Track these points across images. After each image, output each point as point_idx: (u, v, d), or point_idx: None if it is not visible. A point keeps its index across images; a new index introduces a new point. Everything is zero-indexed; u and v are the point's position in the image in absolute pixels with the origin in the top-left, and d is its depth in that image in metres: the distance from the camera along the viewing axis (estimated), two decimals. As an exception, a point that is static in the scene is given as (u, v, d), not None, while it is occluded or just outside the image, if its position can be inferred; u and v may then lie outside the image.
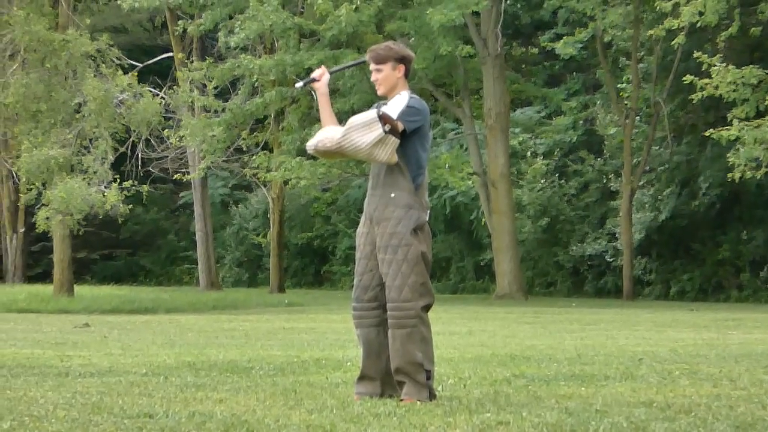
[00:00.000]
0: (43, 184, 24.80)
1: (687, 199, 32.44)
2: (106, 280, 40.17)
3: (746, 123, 23.86)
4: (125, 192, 24.88)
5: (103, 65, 25.50)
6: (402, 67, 6.69)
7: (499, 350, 10.93)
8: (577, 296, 33.69)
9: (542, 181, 36.13)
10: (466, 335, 14.21)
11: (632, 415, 5.89)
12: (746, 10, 27.41)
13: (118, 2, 31.35)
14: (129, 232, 45.06)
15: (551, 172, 36.40)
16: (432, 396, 6.50)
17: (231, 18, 30.76)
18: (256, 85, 32.46)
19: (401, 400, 6.45)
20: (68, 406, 6.28)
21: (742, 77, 23.88)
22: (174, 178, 35.77)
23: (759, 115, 24.19)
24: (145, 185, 26.19)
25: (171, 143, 31.75)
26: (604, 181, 35.24)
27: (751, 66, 24.27)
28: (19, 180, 27.78)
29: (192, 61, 32.18)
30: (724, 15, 25.60)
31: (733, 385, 7.54)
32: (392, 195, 6.54)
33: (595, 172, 35.87)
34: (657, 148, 33.34)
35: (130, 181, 25.41)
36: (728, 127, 24.06)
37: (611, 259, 33.73)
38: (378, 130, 6.43)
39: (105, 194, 24.10)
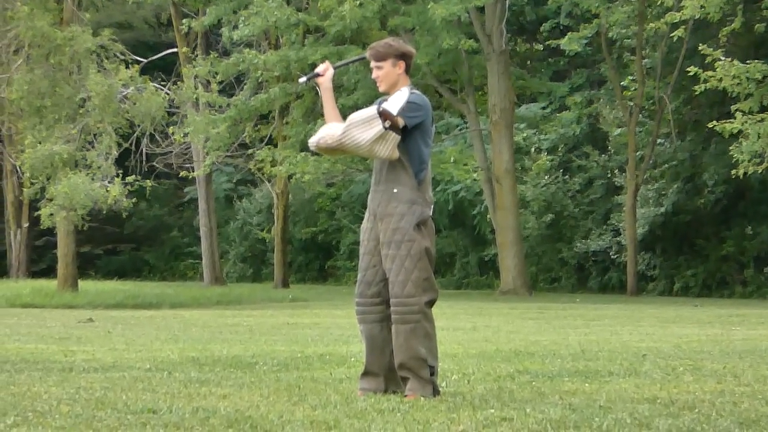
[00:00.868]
0: (47, 179, 24.81)
1: (691, 195, 32.44)
2: (110, 275, 40.20)
3: (750, 116, 23.86)
4: (129, 187, 24.88)
5: (107, 60, 25.51)
6: (402, 64, 6.68)
7: (503, 346, 10.93)
8: (582, 292, 33.70)
9: (546, 177, 36.12)
10: (470, 331, 14.21)
11: (636, 411, 5.88)
12: (751, 6, 27.39)
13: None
14: (133, 227, 45.12)
15: (555, 167, 36.39)
16: (436, 392, 6.50)
17: (235, 13, 30.76)
18: (260, 80, 32.47)
19: (405, 396, 6.45)
20: (72, 402, 6.29)
21: (747, 72, 23.88)
22: (180, 175, 35.78)
23: (763, 109, 24.19)
24: (148, 180, 26.19)
25: (175, 140, 31.75)
26: (609, 176, 35.22)
27: (756, 61, 24.27)
28: (23, 175, 27.79)
29: (197, 56, 32.19)
30: (728, 11, 25.61)
31: (737, 381, 7.53)
32: (395, 190, 6.53)
33: (600, 168, 35.85)
34: (661, 143, 33.33)
35: (134, 176, 25.42)
36: (731, 120, 24.07)
37: (615, 255, 33.73)
38: (378, 127, 6.44)
39: (108, 189, 24.11)
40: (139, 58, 30.92)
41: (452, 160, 31.97)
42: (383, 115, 6.44)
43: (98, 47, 25.36)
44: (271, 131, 35.09)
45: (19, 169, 31.16)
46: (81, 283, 28.28)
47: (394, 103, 6.52)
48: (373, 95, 26.66)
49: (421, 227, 6.51)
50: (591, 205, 36.07)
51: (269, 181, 37.20)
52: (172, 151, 35.16)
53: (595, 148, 36.13)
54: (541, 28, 36.32)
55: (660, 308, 22.08)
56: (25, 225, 40.62)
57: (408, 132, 6.53)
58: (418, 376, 6.45)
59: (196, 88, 30.32)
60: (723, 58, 24.21)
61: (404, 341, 6.43)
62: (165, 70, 35.26)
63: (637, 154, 31.68)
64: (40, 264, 42.35)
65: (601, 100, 36.23)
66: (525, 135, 36.76)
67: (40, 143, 24.29)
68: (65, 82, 25.14)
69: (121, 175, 24.94)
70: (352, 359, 9.04)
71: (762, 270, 30.65)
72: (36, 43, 24.97)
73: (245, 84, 32.98)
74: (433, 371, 6.48)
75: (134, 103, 25.27)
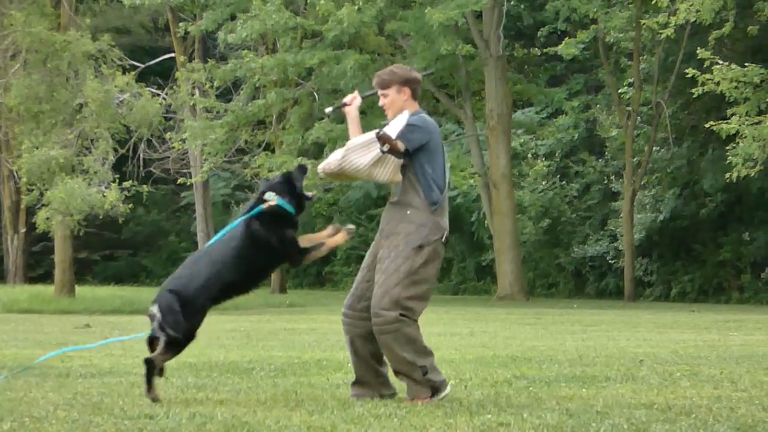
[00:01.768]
0: (44, 184, 24.77)
1: (688, 201, 32.44)
2: (107, 281, 40.09)
3: (746, 118, 23.91)
4: (125, 192, 24.86)
5: (104, 66, 25.49)
6: (407, 90, 6.71)
7: (500, 351, 10.93)
8: (579, 297, 33.68)
9: (543, 183, 36.12)
10: (467, 336, 14.20)
11: (633, 417, 5.89)
12: (746, 12, 27.42)
13: (121, 1, 31.34)
14: (130, 233, 45.05)
15: (552, 173, 36.38)
16: (435, 389, 6.54)
17: (233, 19, 30.75)
18: (257, 85, 32.44)
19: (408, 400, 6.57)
20: (69, 407, 6.28)
21: (744, 76, 23.93)
22: (177, 182, 35.73)
23: (760, 113, 24.23)
24: (145, 185, 26.16)
25: (172, 146, 31.71)
26: (606, 182, 35.23)
27: (752, 65, 24.31)
28: (20, 180, 27.76)
29: (192, 60, 32.16)
30: (725, 17, 25.66)
31: (734, 386, 7.53)
32: (408, 212, 6.59)
33: (597, 174, 35.86)
34: (658, 149, 33.33)
35: (130, 181, 25.39)
36: (728, 121, 24.12)
37: (612, 261, 33.72)
38: (376, 150, 6.48)
39: (105, 194, 24.08)
40: (136, 63, 30.90)
41: (449, 165, 31.81)
42: (382, 139, 6.48)
43: (97, 51, 25.36)
44: (268, 137, 35.05)
45: (15, 174, 31.13)
46: (78, 289, 28.23)
47: (393, 127, 6.56)
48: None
49: (422, 249, 6.53)
50: (588, 210, 36.07)
51: (266, 187, 37.11)
52: (169, 157, 35.10)
53: (592, 154, 36.14)
54: (539, 33, 36.32)
55: (657, 314, 22.08)
56: (22, 230, 40.54)
57: (412, 155, 6.56)
58: (413, 379, 6.53)
59: (192, 94, 30.28)
60: (720, 62, 24.25)
61: (388, 351, 6.54)
62: (162, 75, 35.22)
63: (634, 159, 31.69)
64: (38, 269, 42.25)
65: (599, 105, 36.24)
66: (522, 140, 36.75)
67: (36, 148, 24.26)
68: (62, 87, 25.13)
69: (118, 180, 24.91)
70: (349, 365, 9.02)
71: (759, 275, 30.66)
72: (33, 48, 24.96)
73: (242, 89, 32.96)
74: (425, 371, 6.53)
75: (131, 110, 25.25)
